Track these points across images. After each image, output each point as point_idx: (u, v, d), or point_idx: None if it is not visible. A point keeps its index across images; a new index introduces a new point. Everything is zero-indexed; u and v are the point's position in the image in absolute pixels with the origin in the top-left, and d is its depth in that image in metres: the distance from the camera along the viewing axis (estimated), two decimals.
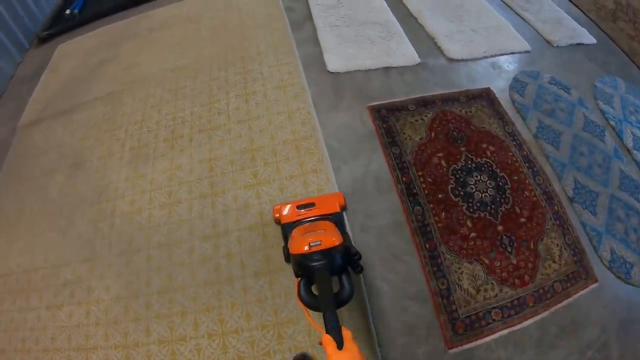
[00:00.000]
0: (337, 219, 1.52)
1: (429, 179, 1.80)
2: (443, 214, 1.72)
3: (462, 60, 2.28)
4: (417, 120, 1.98)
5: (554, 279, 1.61)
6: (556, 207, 1.78)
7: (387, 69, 2.18)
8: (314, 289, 1.05)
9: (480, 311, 1.52)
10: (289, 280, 1.55)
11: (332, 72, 2.16)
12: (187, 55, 2.42)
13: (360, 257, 1.14)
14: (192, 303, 1.57)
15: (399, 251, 1.62)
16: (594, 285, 1.60)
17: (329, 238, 1.12)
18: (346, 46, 2.27)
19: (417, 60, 2.22)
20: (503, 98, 2.12)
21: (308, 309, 1.03)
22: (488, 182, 1.81)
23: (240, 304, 1.54)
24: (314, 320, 1.00)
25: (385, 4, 2.59)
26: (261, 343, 1.46)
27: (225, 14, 2.63)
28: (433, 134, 1.94)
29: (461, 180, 1.81)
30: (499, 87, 2.17)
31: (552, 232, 1.72)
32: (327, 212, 1.54)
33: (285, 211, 1.56)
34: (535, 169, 1.89)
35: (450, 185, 1.79)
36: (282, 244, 1.52)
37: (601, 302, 1.56)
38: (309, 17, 2.52)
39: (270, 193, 1.74)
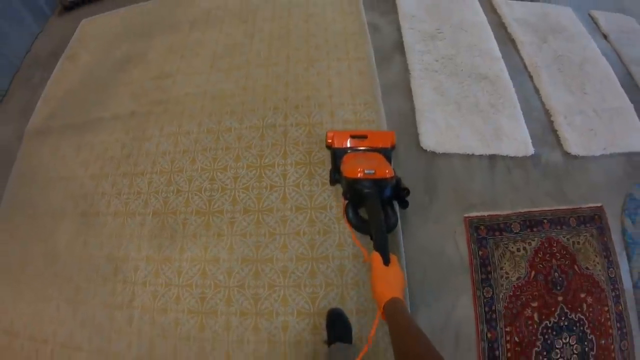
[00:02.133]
0: (386, 154, 1.50)
1: (516, 338, 1.49)
2: None
3: (580, 157, 1.81)
4: (518, 250, 1.59)
5: None
6: None
7: (493, 159, 1.70)
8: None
9: None
10: None
11: (426, 151, 1.66)
12: (234, 77, 1.82)
13: (408, 193, 1.19)
14: None
15: None
16: None
17: (383, 169, 1.20)
18: (446, 111, 1.73)
19: (531, 150, 1.74)
20: (614, 225, 1.73)
21: (355, 230, 1.16)
22: (575, 346, 1.53)
23: None
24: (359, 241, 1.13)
25: (496, 46, 1.96)
26: None
27: (289, 18, 1.93)
28: (533, 274, 1.58)
29: (548, 341, 1.51)
30: (612, 205, 1.77)
31: None
32: (378, 146, 1.53)
33: (339, 137, 1.54)
34: (624, 331, 1.61)
35: (536, 349, 1.50)
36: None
37: None
38: (399, 45, 1.89)
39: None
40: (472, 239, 1.58)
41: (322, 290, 1.43)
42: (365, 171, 1.17)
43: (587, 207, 1.74)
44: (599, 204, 1.76)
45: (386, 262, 0.84)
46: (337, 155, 1.49)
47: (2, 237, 1.78)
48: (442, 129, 1.69)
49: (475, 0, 2.12)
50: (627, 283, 1.66)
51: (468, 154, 1.69)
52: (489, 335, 1.48)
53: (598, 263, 1.66)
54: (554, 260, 1.62)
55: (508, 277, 1.55)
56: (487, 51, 1.94)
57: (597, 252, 1.68)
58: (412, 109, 1.74)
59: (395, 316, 0.72)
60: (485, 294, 1.52)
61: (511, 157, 1.72)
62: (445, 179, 1.64)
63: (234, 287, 1.46)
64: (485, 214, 1.61)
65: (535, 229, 1.64)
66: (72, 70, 2.17)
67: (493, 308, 1.51)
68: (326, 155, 1.64)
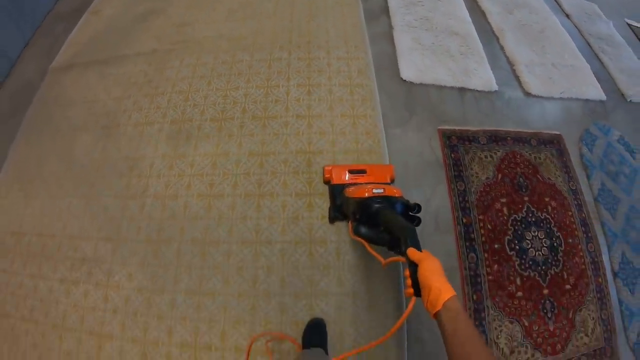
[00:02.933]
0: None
1: (489, 226, 1.70)
2: (496, 266, 1.63)
3: (538, 97, 2.12)
4: (486, 157, 1.84)
5: (583, 352, 1.57)
6: (600, 280, 1.72)
7: (462, 90, 2.01)
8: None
9: None
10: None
11: (405, 81, 1.97)
12: (247, 25, 2.18)
13: (419, 210, 1.13)
14: (222, 313, 1.46)
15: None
16: None
17: (391, 189, 1.20)
18: (423, 54, 2.07)
19: (495, 87, 2.05)
20: (572, 152, 1.99)
21: (369, 242, 1.15)
22: (544, 240, 1.72)
23: (275, 323, 1.44)
24: (375, 251, 1.12)
25: (467, 14, 2.37)
26: None
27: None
28: (500, 176, 1.81)
29: (519, 233, 1.71)
30: (570, 134, 2.04)
31: (591, 305, 1.66)
32: (377, 181, 1.53)
33: (337, 172, 1.56)
34: (589, 235, 1.80)
35: (508, 237, 1.69)
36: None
37: None
38: (385, 9, 2.28)
39: (323, 207, 1.61)
40: (445, 145, 1.84)
41: (317, 176, 1.67)
42: (374, 190, 1.17)
43: (547, 133, 2.02)
44: (557, 132, 2.04)
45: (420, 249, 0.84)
46: (335, 191, 1.51)
47: (21, 151, 1.97)
48: (419, 66, 2.02)
49: None
50: (588, 196, 1.89)
51: (441, 85, 2.00)
52: (464, 220, 1.68)
53: (559, 176, 1.91)
54: (518, 169, 1.86)
55: (478, 176, 1.79)
56: (460, 17, 2.34)
57: (558, 167, 1.93)
58: (394, 52, 2.08)
59: (458, 320, 0.64)
60: (458, 187, 1.75)
61: (478, 91, 2.03)
62: (422, 102, 1.94)
63: (240, 174, 1.68)
64: (456, 128, 1.89)
65: (500, 143, 1.91)
66: (95, 22, 2.42)
67: (466, 199, 1.73)
68: (323, 82, 1.94)
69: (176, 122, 1.85)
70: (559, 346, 1.55)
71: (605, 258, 1.78)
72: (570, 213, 1.82)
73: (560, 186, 1.88)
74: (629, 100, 2.36)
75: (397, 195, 1.19)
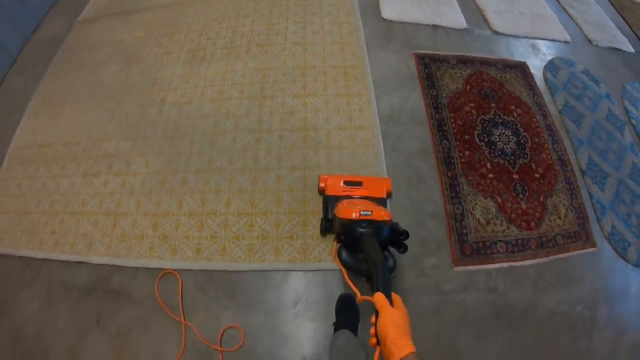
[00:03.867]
0: (382, 204, 1.49)
1: (459, 122, 1.96)
2: (467, 152, 1.87)
3: (505, 35, 2.44)
4: (456, 73, 2.14)
5: (557, 232, 1.74)
6: (568, 174, 1.92)
7: (435, 27, 2.34)
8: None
9: (488, 241, 1.66)
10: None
11: (385, 19, 2.32)
12: None
13: (407, 236, 1.10)
14: (228, 184, 1.72)
15: (423, 174, 1.77)
16: (592, 250, 1.72)
17: (380, 212, 1.12)
18: (401, 0, 2.44)
19: (464, 25, 2.39)
20: (537, 75, 2.27)
21: (347, 270, 1.03)
22: (511, 137, 1.97)
23: (272, 191, 1.69)
24: (354, 282, 0.99)
25: None
26: (286, 227, 1.61)
27: None
28: (468, 87, 2.10)
29: (487, 129, 1.96)
30: (535, 65, 2.33)
31: (561, 193, 1.85)
32: (372, 195, 1.52)
33: (332, 183, 1.54)
34: (555, 138, 2.03)
35: (477, 132, 1.95)
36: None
37: (596, 267, 1.68)
38: None
39: (316, 104, 1.91)
40: (420, 63, 2.15)
41: (310, 84, 1.99)
42: (362, 212, 1.10)
43: (512, 60, 2.32)
44: (523, 60, 2.34)
45: (391, 302, 0.74)
46: (329, 202, 1.48)
47: (49, 83, 2.31)
48: (397, 8, 2.39)
49: None
50: (552, 109, 2.15)
51: (416, 23, 2.34)
52: (437, 116, 1.96)
53: (523, 92, 2.19)
54: (485, 83, 2.15)
55: (448, 86, 2.08)
56: None
57: (522, 85, 2.21)
58: (377, 1, 2.45)
59: None
60: (431, 92, 2.04)
61: (450, 28, 2.37)
62: (400, 35, 2.27)
63: (246, 83, 2.01)
64: (429, 52, 2.21)
65: (468, 64, 2.21)
66: None
67: (438, 101, 2.01)
68: (316, 20, 2.30)
69: (192, 51, 2.22)
70: (533, 224, 1.73)
71: (572, 159, 1.99)
72: (535, 120, 2.08)
73: (525, 99, 2.15)
74: (594, 44, 2.64)
75: (386, 219, 1.11)
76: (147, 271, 1.59)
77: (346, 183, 1.54)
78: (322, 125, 1.84)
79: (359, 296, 0.87)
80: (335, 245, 1.14)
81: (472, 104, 2.03)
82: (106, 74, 2.24)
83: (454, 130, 1.92)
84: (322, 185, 1.55)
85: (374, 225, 1.08)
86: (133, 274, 1.60)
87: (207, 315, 1.49)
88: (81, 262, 1.65)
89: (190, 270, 1.56)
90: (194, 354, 1.42)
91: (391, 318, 0.69)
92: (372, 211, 1.11)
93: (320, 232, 1.53)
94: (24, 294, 1.63)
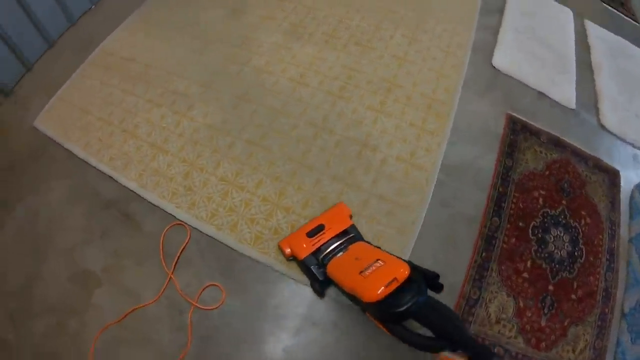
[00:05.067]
0: (356, 234, 1.42)
1: (521, 205, 1.81)
2: (513, 239, 1.73)
3: (611, 132, 2.20)
4: (541, 152, 1.97)
5: None
6: (607, 310, 1.74)
7: (541, 95, 2.15)
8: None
9: (488, 339, 1.54)
10: (358, 198, 1.65)
11: (494, 66, 2.16)
12: None
13: (438, 276, 0.99)
14: (267, 167, 1.72)
15: (459, 241, 1.67)
16: None
17: (398, 268, 0.96)
18: (519, 53, 2.25)
19: (573, 105, 2.17)
20: (624, 189, 2.05)
21: (417, 348, 0.87)
22: (567, 244, 1.80)
23: (305, 192, 1.66)
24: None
25: (573, 41, 2.51)
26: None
27: None
28: (547, 172, 1.93)
29: (546, 225, 1.80)
30: (628, 178, 2.09)
31: (588, 327, 1.68)
32: (341, 230, 1.41)
33: (296, 244, 1.38)
34: (612, 266, 1.84)
35: (534, 223, 1.79)
36: None
37: None
38: (501, 10, 2.49)
39: (386, 125, 1.83)
40: (509, 127, 1.99)
41: (391, 102, 1.90)
42: (386, 285, 0.91)
43: (607, 163, 2.10)
44: (617, 168, 2.11)
45: None
46: (308, 264, 1.34)
47: (151, 9, 2.38)
48: (511, 59, 2.21)
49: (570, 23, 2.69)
50: (624, 232, 1.95)
51: (524, 83, 2.16)
52: (500, 189, 1.82)
53: (602, 201, 1.98)
54: (566, 176, 1.96)
55: (527, 163, 1.92)
56: (565, 40, 2.48)
57: (605, 194, 2.00)
58: (494, 43, 2.28)
59: None
60: (506, 162, 1.89)
61: (556, 101, 2.16)
62: (502, 88, 2.11)
63: (329, 76, 1.98)
64: (524, 119, 2.04)
65: (558, 147, 2.02)
66: None
67: (509, 174, 1.87)
68: (424, 40, 2.18)
69: (294, 24, 2.19)
70: (543, 344, 1.59)
71: (619, 295, 1.80)
72: (601, 237, 1.88)
73: (600, 211, 1.94)
74: None
75: (408, 272, 0.94)
76: (164, 213, 1.63)
77: (310, 234, 1.39)
78: (382, 148, 1.76)
79: None
80: (379, 324, 0.98)
81: (543, 192, 1.87)
82: (207, 16, 2.28)
83: (511, 211, 1.78)
84: (288, 251, 1.40)
85: (409, 289, 0.90)
86: (150, 210, 1.66)
87: (194, 278, 1.53)
88: (111, 178, 1.71)
89: (199, 231, 1.59)
90: (165, 306, 1.48)
91: None
92: (392, 275, 0.93)
93: (318, 295, 1.43)
94: (54, 183, 1.74)
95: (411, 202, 1.65)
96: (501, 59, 2.20)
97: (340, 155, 1.74)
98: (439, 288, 1.00)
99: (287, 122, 1.82)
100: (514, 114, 2.03)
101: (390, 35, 2.17)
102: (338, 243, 1.36)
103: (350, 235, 1.40)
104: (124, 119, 1.86)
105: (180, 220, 1.60)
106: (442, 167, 1.77)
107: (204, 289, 1.50)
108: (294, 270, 1.49)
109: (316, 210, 1.60)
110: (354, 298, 1.08)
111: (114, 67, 2.07)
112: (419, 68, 2.03)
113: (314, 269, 1.32)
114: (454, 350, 0.79)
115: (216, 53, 2.07)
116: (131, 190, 1.68)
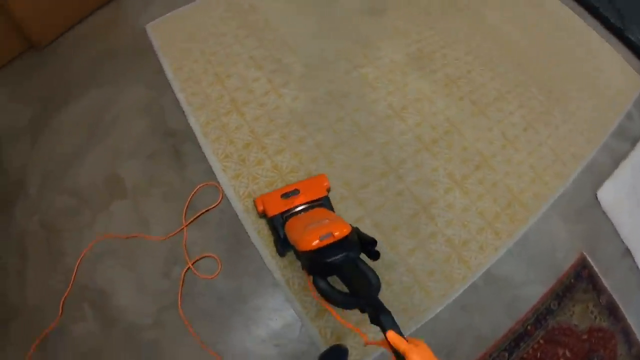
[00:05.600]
0: (326, 204, 1.46)
1: (539, 355, 1.65)
2: None
3: None
4: (592, 313, 1.77)
5: None
6: None
7: (627, 253, 1.91)
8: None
9: None
10: (388, 258, 1.56)
11: (596, 197, 1.94)
12: (526, 45, 2.29)
13: (375, 243, 1.06)
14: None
15: (457, 354, 1.55)
16: None
17: (338, 227, 1.03)
18: (627, 198, 1.99)
19: None
20: None
21: (332, 304, 0.91)
22: None
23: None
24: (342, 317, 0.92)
25: None
26: None
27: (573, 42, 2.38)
28: (585, 337, 1.73)
29: None
30: None
31: None
32: (314, 198, 1.45)
33: (270, 202, 1.44)
34: None
35: None
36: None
37: None
38: (635, 141, 2.20)
39: (456, 201, 1.71)
40: (576, 267, 1.79)
41: (473, 180, 1.75)
42: (321, 237, 1.00)
43: None
44: None
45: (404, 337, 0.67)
46: (275, 223, 1.41)
47: None
48: (614, 198, 1.96)
49: None
50: None
51: (616, 230, 1.92)
52: (529, 327, 1.66)
53: None
54: (602, 350, 1.76)
55: (572, 316, 1.73)
56: None
57: None
58: (609, 173, 2.02)
59: None
60: (552, 303, 1.71)
61: (638, 267, 1.91)
62: (592, 223, 1.88)
63: (428, 121, 1.86)
64: (595, 268, 1.82)
65: (612, 318, 1.80)
66: None
67: (547, 317, 1.70)
68: (541, 131, 1.98)
69: (422, 52, 2.06)
70: None
71: None
72: None
73: None
74: None
75: (346, 232, 1.02)
76: (209, 169, 1.64)
77: (284, 196, 1.44)
78: (439, 222, 1.67)
79: (365, 340, 0.77)
80: (307, 278, 1.06)
81: (569, 354, 1.69)
82: (344, 1, 2.16)
83: (526, 355, 1.63)
84: (260, 208, 1.45)
85: (340, 245, 0.99)
86: (200, 158, 1.70)
87: (201, 241, 1.55)
88: (183, 111, 1.71)
89: (230, 203, 1.59)
90: (165, 249, 1.52)
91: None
92: (331, 231, 1.00)
93: (279, 253, 1.48)
94: (135, 87, 1.85)
95: (435, 289, 1.54)
96: (607, 194, 1.96)
97: (395, 206, 1.64)
98: (374, 255, 1.04)
99: (364, 145, 1.74)
100: (588, 258, 1.82)
101: (511, 111, 1.97)
102: (304, 207, 1.42)
103: (319, 203, 1.44)
104: (222, 64, 1.85)
105: (219, 184, 1.59)
106: (485, 272, 1.63)
107: (205, 256, 1.51)
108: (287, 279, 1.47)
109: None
110: (298, 254, 1.15)
111: (238, 11, 2.05)
112: (521, 159, 1.85)
113: (279, 227, 1.38)
114: (363, 311, 0.83)
115: (335, 42, 1.99)
116: (193, 132, 1.68)
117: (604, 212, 1.96)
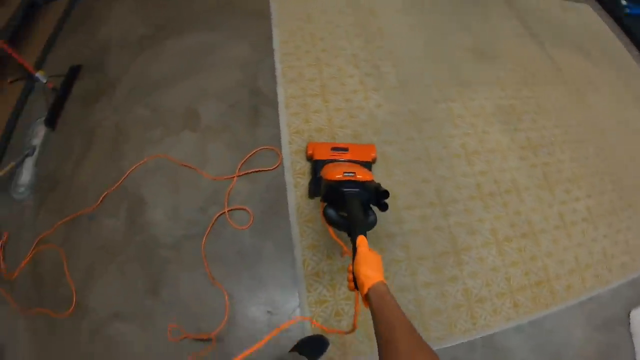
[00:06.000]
0: (367, 167, 1.57)
1: None
2: None
3: None
4: None
5: None
6: None
7: None
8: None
9: None
10: (400, 281, 1.59)
11: (628, 315, 1.84)
12: (600, 139, 2.22)
13: (388, 195, 1.13)
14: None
15: None
16: None
17: (363, 172, 1.21)
18: None
19: None
20: None
21: (333, 228, 1.13)
22: None
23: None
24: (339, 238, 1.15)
25: None
26: (319, 264, 1.55)
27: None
28: None
29: None
30: None
31: None
32: (359, 159, 1.60)
33: (320, 149, 1.60)
34: None
35: None
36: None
37: None
38: None
39: (489, 258, 1.70)
40: None
41: (513, 251, 1.73)
42: (345, 173, 1.18)
43: None
44: None
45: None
46: (317, 167, 1.55)
47: None
48: None
49: None
50: None
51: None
52: None
53: None
54: None
55: None
56: None
57: None
58: None
59: (384, 300, 0.66)
60: None
61: None
62: (613, 340, 1.80)
63: (493, 175, 1.83)
64: None
65: None
66: None
67: None
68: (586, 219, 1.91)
69: (512, 109, 2.09)
70: None
71: None
72: None
73: None
74: None
75: (368, 179, 1.18)
76: (277, 136, 1.81)
77: (334, 149, 1.60)
78: (465, 269, 1.68)
79: (344, 249, 1.04)
80: (322, 205, 1.22)
81: None
82: (455, 38, 2.24)
83: None
84: (309, 152, 1.62)
85: (358, 185, 1.14)
86: (274, 125, 1.89)
87: (244, 195, 1.66)
88: (275, 79, 1.89)
89: (283, 172, 1.69)
90: (210, 189, 1.65)
91: (365, 256, 0.78)
92: (355, 172, 1.18)
93: (308, 194, 1.61)
94: (237, 41, 2.10)
95: (435, 330, 1.56)
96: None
97: (430, 237, 1.67)
98: (383, 206, 1.12)
99: (424, 172, 1.78)
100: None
101: (577, 197, 1.92)
102: (346, 160, 1.58)
103: (360, 163, 1.56)
104: (325, 51, 1.96)
105: (281, 152, 1.68)
106: (489, 336, 1.62)
107: (242, 208, 1.62)
108: (304, 270, 1.53)
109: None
110: (322, 187, 1.29)
111: (358, 10, 2.17)
112: (568, 246, 1.81)
113: (318, 170, 1.52)
114: (349, 234, 0.93)
115: (435, 69, 2.05)
116: (277, 99, 1.79)
117: (630, 333, 1.86)
